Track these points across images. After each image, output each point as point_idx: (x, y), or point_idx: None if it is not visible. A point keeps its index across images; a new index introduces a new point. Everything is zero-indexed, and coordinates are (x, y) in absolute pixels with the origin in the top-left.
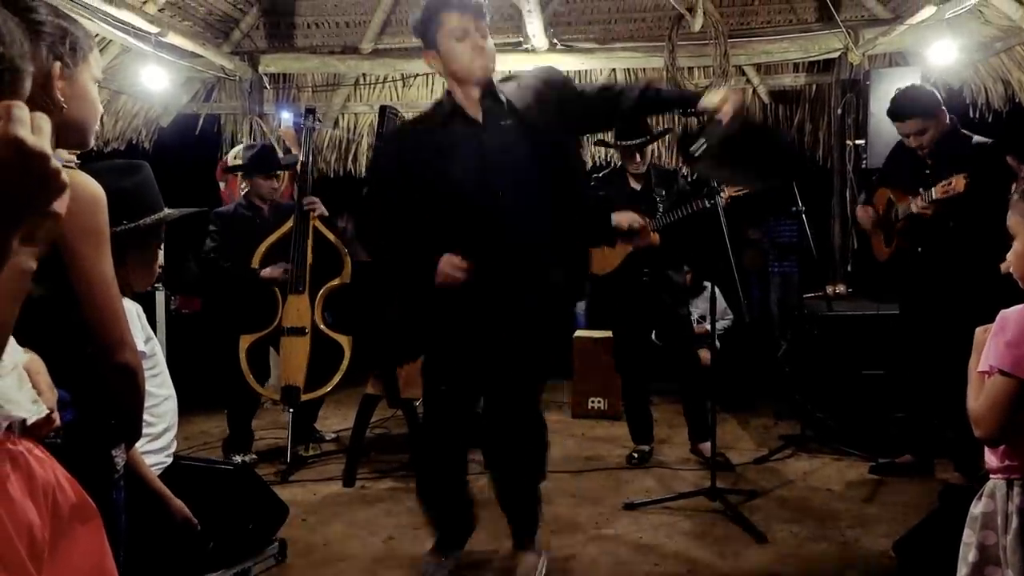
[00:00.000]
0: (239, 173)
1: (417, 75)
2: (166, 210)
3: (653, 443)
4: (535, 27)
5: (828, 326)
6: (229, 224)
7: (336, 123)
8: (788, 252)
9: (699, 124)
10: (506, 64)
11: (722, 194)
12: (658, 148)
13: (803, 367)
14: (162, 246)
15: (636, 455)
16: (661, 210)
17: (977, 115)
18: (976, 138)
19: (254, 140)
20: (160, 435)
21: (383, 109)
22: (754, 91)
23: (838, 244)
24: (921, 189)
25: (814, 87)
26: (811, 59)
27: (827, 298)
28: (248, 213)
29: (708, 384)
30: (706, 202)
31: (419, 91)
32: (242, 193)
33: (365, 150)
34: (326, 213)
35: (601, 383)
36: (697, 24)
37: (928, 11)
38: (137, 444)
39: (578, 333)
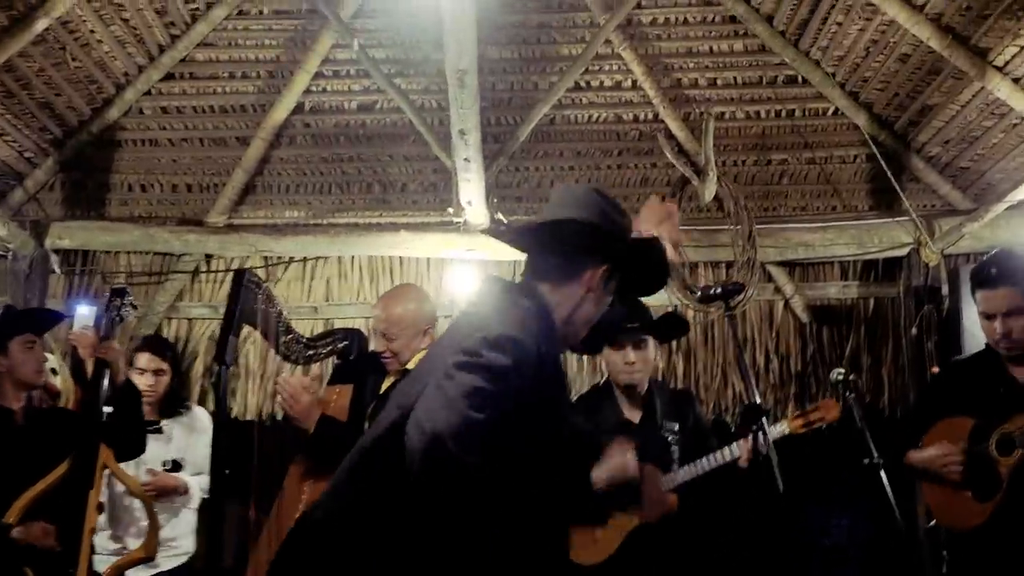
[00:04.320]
0: None
1: (292, 260)
2: None
3: None
4: (472, 193)
5: None
6: None
7: (159, 332)
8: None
9: None
10: (425, 248)
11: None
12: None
13: None
14: None
15: None
16: (676, 456)
17: None
18: None
19: None
20: None
21: (239, 275)
22: (786, 304)
23: (924, 522)
24: None
25: (871, 301)
26: (868, 257)
27: None
28: None
29: None
30: (731, 451)
31: (291, 287)
32: None
33: (199, 375)
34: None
35: None
36: (709, 193)
37: None
38: None
39: None
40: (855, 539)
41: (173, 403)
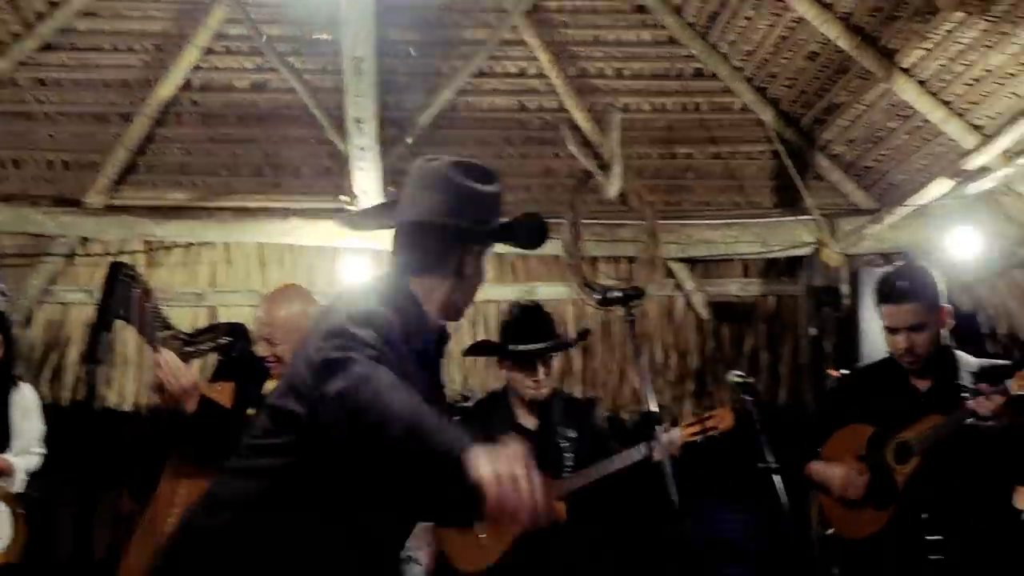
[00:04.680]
0: None
1: (175, 245)
2: None
3: None
4: (367, 182)
5: None
6: None
7: (30, 319)
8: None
9: None
10: (316, 236)
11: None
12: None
13: None
14: None
15: None
16: (571, 463)
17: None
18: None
19: None
20: None
21: (115, 268)
22: (688, 302)
23: (818, 527)
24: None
25: (772, 299)
26: (772, 255)
27: None
28: None
29: None
30: (641, 451)
31: (173, 273)
32: None
33: (74, 363)
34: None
35: None
36: (613, 188)
37: (940, 187)
38: None
39: None
40: (751, 535)
41: (3, 379)
